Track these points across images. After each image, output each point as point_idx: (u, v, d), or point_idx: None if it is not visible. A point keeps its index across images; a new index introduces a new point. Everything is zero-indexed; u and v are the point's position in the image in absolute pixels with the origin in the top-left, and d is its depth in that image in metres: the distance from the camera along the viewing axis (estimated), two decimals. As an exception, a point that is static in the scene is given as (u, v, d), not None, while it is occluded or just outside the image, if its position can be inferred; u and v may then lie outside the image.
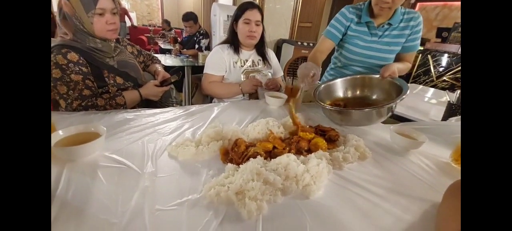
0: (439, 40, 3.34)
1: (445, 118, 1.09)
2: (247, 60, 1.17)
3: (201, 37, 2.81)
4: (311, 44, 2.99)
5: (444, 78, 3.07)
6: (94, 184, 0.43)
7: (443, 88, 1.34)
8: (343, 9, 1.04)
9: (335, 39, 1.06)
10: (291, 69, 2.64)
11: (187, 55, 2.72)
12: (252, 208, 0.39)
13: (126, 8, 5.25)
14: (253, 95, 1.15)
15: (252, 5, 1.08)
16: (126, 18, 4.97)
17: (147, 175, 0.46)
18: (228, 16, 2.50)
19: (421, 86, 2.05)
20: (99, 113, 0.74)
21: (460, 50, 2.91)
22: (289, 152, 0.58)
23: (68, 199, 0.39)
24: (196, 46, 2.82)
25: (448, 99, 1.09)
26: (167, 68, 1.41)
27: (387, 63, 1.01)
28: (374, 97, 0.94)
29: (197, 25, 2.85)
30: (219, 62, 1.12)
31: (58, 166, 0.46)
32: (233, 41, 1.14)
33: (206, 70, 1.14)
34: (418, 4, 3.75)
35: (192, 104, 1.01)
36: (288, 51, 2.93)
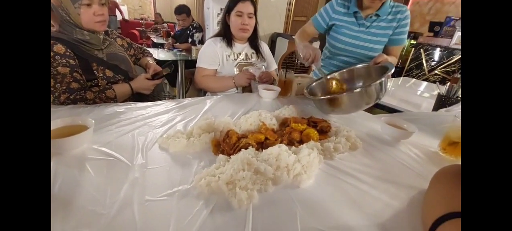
0: (431, 34, 3.38)
1: (435, 109, 1.11)
2: (240, 54, 1.16)
3: (194, 30, 2.77)
4: (305, 38, 2.98)
5: (436, 71, 3.12)
6: (82, 176, 0.42)
7: (434, 82, 1.36)
8: (332, 1, 1.06)
9: (320, 28, 1.11)
10: (286, 63, 2.64)
11: (180, 49, 2.68)
12: (243, 197, 0.39)
13: (117, 1, 5.11)
14: (247, 88, 1.15)
15: (244, -3, 1.06)
16: (117, 12, 4.85)
17: (137, 167, 0.46)
18: (221, 9, 2.46)
19: (413, 80, 2.08)
20: (88, 107, 0.72)
21: (451, 44, 2.96)
22: (281, 143, 0.58)
23: (54, 192, 0.38)
24: (190, 40, 2.78)
25: (439, 92, 1.11)
26: (160, 62, 1.38)
27: (375, 54, 1.03)
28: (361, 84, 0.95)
29: (190, 19, 2.81)
30: (211, 56, 1.11)
31: (44, 159, 0.45)
32: (226, 34, 1.13)
33: (198, 64, 1.12)
34: (411, -2, 3.77)
35: (185, 98, 1.00)
36: (283, 45, 2.91)
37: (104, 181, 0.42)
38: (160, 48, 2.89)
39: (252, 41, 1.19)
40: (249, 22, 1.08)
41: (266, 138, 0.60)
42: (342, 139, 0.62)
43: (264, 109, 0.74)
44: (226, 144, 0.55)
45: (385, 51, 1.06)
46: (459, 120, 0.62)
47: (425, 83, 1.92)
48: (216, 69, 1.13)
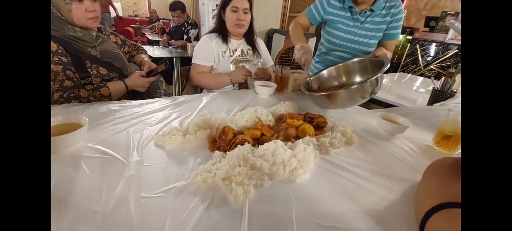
0: (427, 29, 3.40)
1: (430, 103, 1.13)
2: (236, 50, 1.15)
3: (189, 27, 2.73)
4: (302, 34, 2.97)
5: (431, 67, 3.15)
6: (77, 174, 0.42)
7: (430, 77, 1.37)
8: None
9: (314, 21, 1.11)
10: (282, 59, 2.63)
11: (176, 46, 2.65)
12: (239, 193, 0.39)
13: (110, -2, 5.01)
14: (243, 85, 1.14)
15: (239, -8, 1.05)
16: (111, 9, 4.76)
17: (132, 164, 0.46)
18: (216, 5, 2.43)
19: (409, 75, 2.09)
20: (83, 106, 0.72)
21: (447, 38, 2.98)
22: (277, 138, 0.58)
23: (49, 190, 0.38)
24: (185, 36, 2.75)
25: (433, 86, 1.13)
26: (155, 60, 1.37)
27: (370, 49, 1.03)
28: (358, 80, 0.96)
29: (185, 15, 2.77)
30: (207, 52, 1.10)
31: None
32: (221, 30, 1.12)
33: (194, 60, 1.11)
34: (407, -7, 3.77)
35: (180, 95, 0.99)
36: (279, 41, 2.90)
37: (99, 178, 0.41)
38: (155, 45, 2.85)
39: (248, 37, 1.18)
40: (245, 17, 1.08)
41: (262, 134, 0.60)
42: (338, 134, 0.63)
43: (260, 105, 0.74)
44: (222, 140, 0.55)
45: (380, 46, 1.07)
46: (452, 113, 0.63)
47: (421, 78, 1.93)
48: (212, 66, 1.12)
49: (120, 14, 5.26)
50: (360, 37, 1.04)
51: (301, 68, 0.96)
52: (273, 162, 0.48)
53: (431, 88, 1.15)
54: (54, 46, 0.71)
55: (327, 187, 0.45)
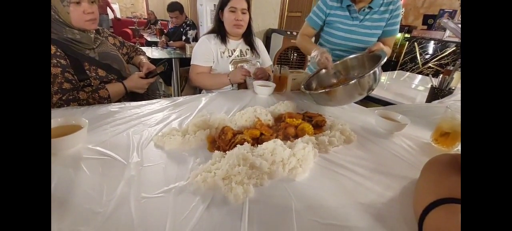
0: (425, 27, 3.41)
1: (428, 101, 1.13)
2: (234, 50, 1.15)
3: (188, 28, 2.74)
4: (300, 34, 2.98)
5: (430, 64, 3.15)
6: (77, 175, 0.42)
7: (428, 75, 1.38)
8: None
9: (316, 26, 1.11)
10: (281, 59, 2.64)
11: (174, 47, 2.65)
12: (239, 192, 0.39)
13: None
14: (242, 85, 1.15)
15: (237, -7, 1.05)
16: (109, 10, 4.76)
17: (132, 165, 0.46)
18: (214, 5, 2.43)
19: (408, 73, 2.10)
20: (82, 108, 0.72)
21: (444, 36, 2.99)
22: (276, 138, 0.58)
23: (49, 192, 0.38)
24: (183, 37, 2.75)
25: (432, 84, 1.13)
26: (154, 61, 1.37)
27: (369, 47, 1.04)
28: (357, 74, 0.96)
29: (183, 16, 2.77)
30: (206, 53, 1.10)
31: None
32: (220, 31, 1.12)
33: (193, 61, 1.11)
34: (405, -8, 3.78)
35: (180, 96, 0.99)
36: (278, 41, 2.90)
37: (99, 179, 0.42)
38: (154, 46, 2.85)
39: (246, 37, 1.18)
40: (243, 17, 1.08)
41: (262, 134, 0.60)
42: (337, 133, 0.63)
43: (259, 105, 0.75)
44: (222, 140, 0.55)
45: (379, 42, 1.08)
46: (450, 110, 0.64)
47: (419, 76, 1.94)
48: (211, 67, 1.12)
49: (118, 15, 5.26)
50: (359, 36, 1.04)
51: (300, 68, 0.96)
52: (273, 161, 0.48)
53: (429, 86, 1.15)
54: (52, 48, 0.72)
55: (327, 185, 0.46)
